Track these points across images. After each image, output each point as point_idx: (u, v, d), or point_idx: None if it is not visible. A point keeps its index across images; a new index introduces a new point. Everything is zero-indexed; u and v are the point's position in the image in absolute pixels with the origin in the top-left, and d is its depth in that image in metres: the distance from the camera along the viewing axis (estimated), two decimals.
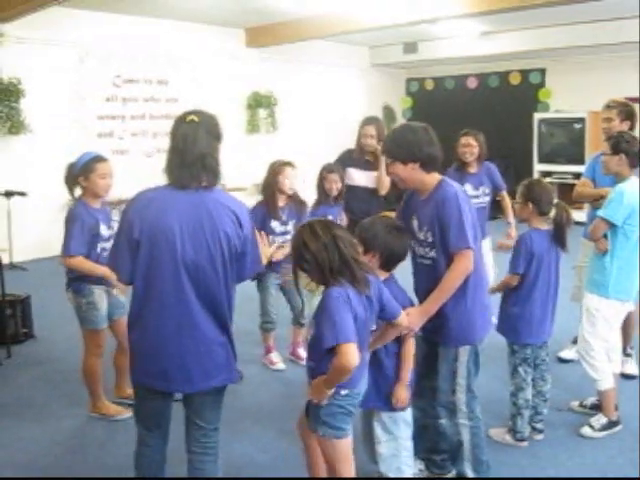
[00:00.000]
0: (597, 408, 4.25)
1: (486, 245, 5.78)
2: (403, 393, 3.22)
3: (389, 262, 3.22)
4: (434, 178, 3.26)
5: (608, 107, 4.95)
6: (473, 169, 5.87)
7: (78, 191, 4.18)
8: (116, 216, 4.38)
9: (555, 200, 3.83)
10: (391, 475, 3.33)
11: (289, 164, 5.08)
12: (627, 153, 4.06)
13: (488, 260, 5.82)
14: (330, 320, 2.65)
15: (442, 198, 3.19)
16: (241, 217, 2.73)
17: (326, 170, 5.29)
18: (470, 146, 5.80)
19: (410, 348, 3.24)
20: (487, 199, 5.90)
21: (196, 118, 2.73)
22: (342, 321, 2.63)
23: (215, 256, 2.67)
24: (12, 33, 8.76)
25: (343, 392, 2.80)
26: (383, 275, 3.19)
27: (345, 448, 2.90)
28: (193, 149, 2.69)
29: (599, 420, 4.12)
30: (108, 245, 4.01)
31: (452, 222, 3.12)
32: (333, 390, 2.76)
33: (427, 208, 3.23)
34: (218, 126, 2.81)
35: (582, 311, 4.23)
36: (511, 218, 5.91)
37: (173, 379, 2.74)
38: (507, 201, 6.07)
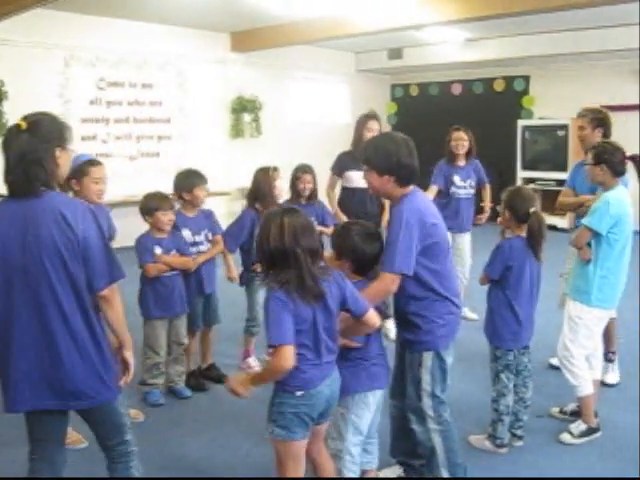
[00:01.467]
0: (577, 414, 4.26)
1: (466, 238, 6.59)
2: None
3: (361, 267, 3.24)
4: (404, 191, 3.25)
5: (580, 116, 5.01)
6: (462, 162, 6.46)
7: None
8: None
9: (531, 209, 3.81)
10: None
11: (277, 169, 5.13)
12: (608, 163, 4.08)
13: (466, 252, 6.56)
14: (269, 321, 2.71)
15: (394, 214, 3.24)
16: (71, 220, 2.57)
17: (301, 170, 5.32)
18: (462, 139, 6.39)
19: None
20: (472, 192, 6.52)
21: (23, 123, 2.61)
22: (280, 322, 2.67)
23: (47, 267, 2.56)
24: None
25: (298, 393, 2.78)
26: (356, 278, 3.19)
27: (293, 450, 2.86)
28: (13, 156, 2.58)
29: (578, 426, 4.13)
30: None
31: (388, 242, 3.17)
32: (284, 390, 2.80)
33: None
34: (54, 129, 2.68)
35: (564, 317, 4.25)
36: (487, 202, 6.68)
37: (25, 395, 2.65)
38: (487, 190, 6.75)
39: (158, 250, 4.58)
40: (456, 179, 6.41)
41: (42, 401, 2.66)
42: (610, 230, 3.99)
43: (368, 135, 5.57)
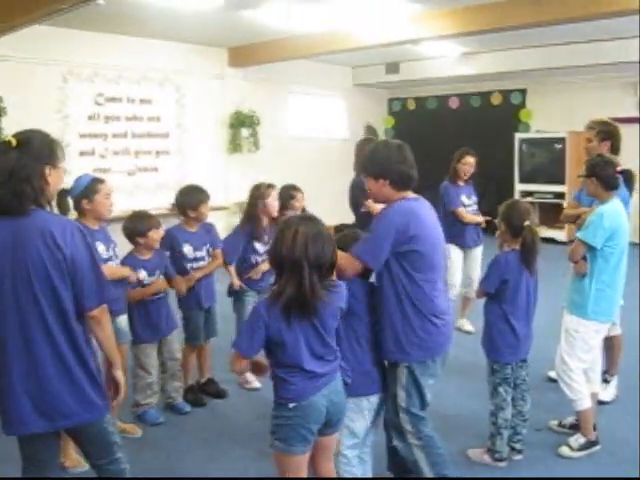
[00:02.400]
0: (576, 428, 4.25)
1: (479, 252, 6.68)
2: None
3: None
4: (400, 196, 3.30)
5: (588, 128, 4.96)
6: (462, 182, 6.58)
7: (71, 215, 4.01)
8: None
9: (526, 222, 3.82)
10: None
11: (273, 186, 5.14)
12: (599, 176, 4.09)
13: (478, 265, 6.61)
14: (244, 324, 2.87)
15: (382, 211, 3.33)
16: (58, 238, 2.55)
17: (293, 189, 5.50)
18: (471, 164, 6.57)
19: None
20: (476, 207, 6.65)
21: (13, 140, 2.59)
22: (249, 332, 2.79)
23: (35, 287, 2.55)
24: None
25: (291, 405, 2.80)
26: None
27: (292, 464, 2.87)
28: (2, 173, 2.56)
29: (577, 440, 4.13)
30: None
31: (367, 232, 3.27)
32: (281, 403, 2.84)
33: None
34: (44, 146, 2.66)
35: (561, 331, 4.25)
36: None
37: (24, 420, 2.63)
38: None
39: (142, 273, 4.53)
40: (464, 199, 6.52)
41: (31, 424, 2.64)
42: (605, 243, 4.00)
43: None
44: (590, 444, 4.13)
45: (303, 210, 5.51)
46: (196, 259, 4.92)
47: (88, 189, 4.04)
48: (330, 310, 2.83)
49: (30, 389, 2.61)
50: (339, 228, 3.76)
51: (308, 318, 2.77)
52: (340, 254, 3.01)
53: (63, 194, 3.94)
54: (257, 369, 3.04)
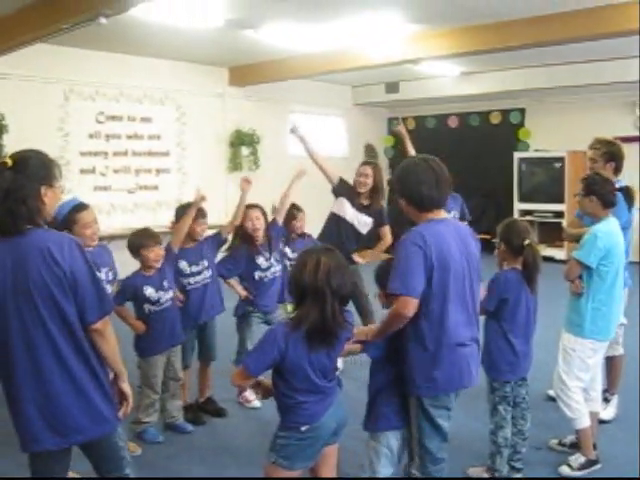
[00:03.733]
0: (576, 447, 4.24)
1: None
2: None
3: None
4: (424, 217, 3.20)
5: (593, 148, 4.88)
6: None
7: None
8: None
9: (526, 241, 3.82)
10: None
11: (250, 206, 5.26)
12: (598, 195, 4.11)
13: None
14: (257, 343, 2.90)
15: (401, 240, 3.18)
16: (56, 254, 2.56)
17: (296, 209, 5.66)
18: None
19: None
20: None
21: (9, 161, 2.61)
22: (261, 352, 2.84)
23: (38, 305, 2.56)
24: None
25: (303, 428, 2.84)
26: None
27: (286, 478, 2.92)
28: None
29: (577, 459, 4.11)
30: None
31: (394, 263, 3.12)
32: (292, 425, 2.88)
33: None
34: (40, 166, 2.67)
35: (559, 350, 4.25)
36: None
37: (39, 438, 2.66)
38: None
39: (149, 290, 4.54)
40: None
41: (44, 442, 2.66)
42: (600, 262, 4.01)
43: (361, 180, 5.89)
44: (590, 463, 4.11)
45: (302, 230, 5.69)
46: (192, 274, 4.91)
47: (66, 220, 3.90)
48: (342, 338, 2.92)
49: (42, 407, 2.63)
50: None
51: (329, 344, 2.83)
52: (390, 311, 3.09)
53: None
54: (263, 391, 3.06)
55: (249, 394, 5.22)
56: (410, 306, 2.99)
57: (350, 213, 5.94)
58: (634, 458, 4.20)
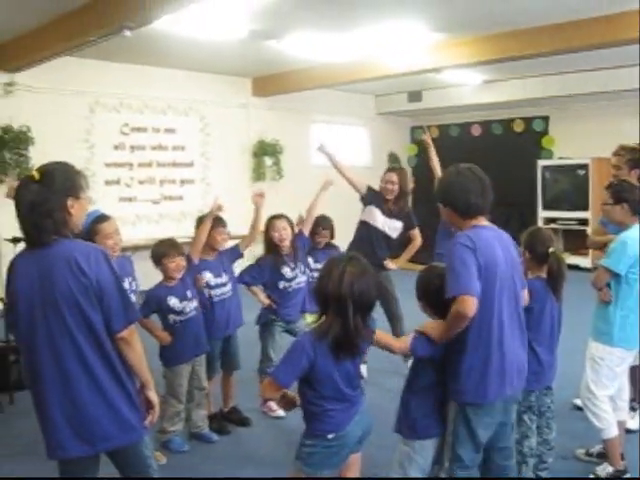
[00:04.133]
0: (603, 456, 4.20)
1: None
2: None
3: (440, 308, 3.20)
4: (468, 224, 3.21)
5: (617, 154, 4.85)
6: None
7: None
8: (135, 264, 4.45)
9: (551, 249, 3.79)
10: None
11: (276, 217, 5.25)
12: (629, 202, 4.08)
13: None
14: (285, 354, 2.89)
15: (451, 244, 3.19)
16: (83, 264, 2.60)
17: (321, 226, 5.67)
18: None
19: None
20: None
21: (36, 174, 2.66)
22: (290, 362, 2.84)
23: (65, 315, 2.61)
24: (23, 82, 8.92)
25: (330, 436, 2.86)
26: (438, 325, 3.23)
27: None
28: (24, 207, 2.64)
29: (605, 469, 4.07)
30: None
31: (447, 269, 3.11)
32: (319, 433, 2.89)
33: None
34: (66, 179, 2.71)
35: (586, 359, 4.21)
36: None
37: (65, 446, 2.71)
38: None
39: (172, 300, 4.58)
40: None
41: (71, 450, 2.71)
42: (629, 270, 3.98)
43: (388, 187, 6.07)
44: (618, 473, 4.07)
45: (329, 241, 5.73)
46: (217, 285, 4.94)
47: (88, 232, 3.91)
48: (367, 344, 2.96)
49: (69, 415, 2.67)
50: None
51: (353, 354, 2.85)
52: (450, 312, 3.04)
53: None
54: (286, 402, 3.04)
55: (273, 403, 5.22)
56: (470, 305, 2.96)
57: (381, 220, 6.09)
58: None
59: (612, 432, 4.06)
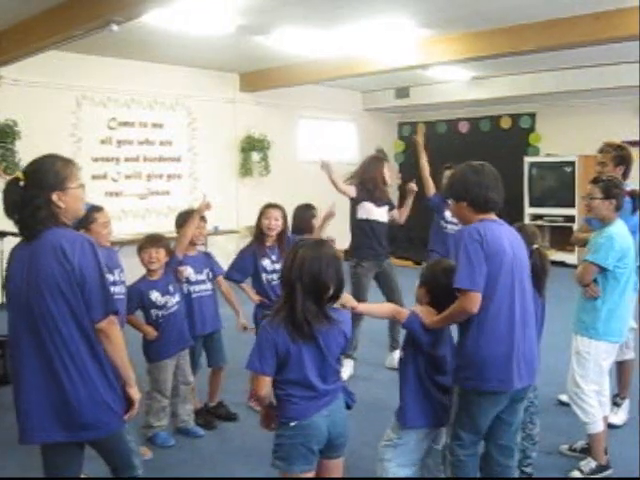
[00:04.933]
0: (587, 452, 4.23)
1: None
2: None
3: (435, 298, 3.38)
4: (479, 218, 3.27)
5: (602, 151, 4.87)
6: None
7: None
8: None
9: (534, 245, 3.80)
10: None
11: (271, 205, 5.18)
12: (617, 198, 4.12)
13: None
14: (254, 346, 2.85)
15: (460, 236, 3.26)
16: (67, 251, 2.67)
17: (314, 208, 5.61)
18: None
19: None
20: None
21: (20, 174, 2.76)
22: (259, 351, 2.81)
23: (47, 300, 2.67)
24: (9, 76, 8.86)
25: (292, 424, 2.83)
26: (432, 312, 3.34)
27: None
28: (7, 207, 2.77)
29: (588, 464, 4.10)
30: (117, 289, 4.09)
31: (457, 260, 3.18)
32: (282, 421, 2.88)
33: None
34: (49, 175, 2.76)
35: (572, 354, 4.24)
36: None
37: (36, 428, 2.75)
38: None
39: (154, 294, 4.58)
40: (447, 214, 6.38)
41: (52, 434, 2.74)
42: (616, 264, 4.02)
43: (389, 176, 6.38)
44: (601, 468, 4.10)
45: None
46: (197, 282, 4.94)
47: (85, 219, 3.92)
48: (332, 337, 2.87)
49: (52, 400, 2.70)
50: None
51: (305, 338, 2.80)
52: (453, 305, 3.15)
53: None
54: (266, 418, 3.04)
55: None
56: (476, 301, 3.08)
57: (376, 212, 6.27)
58: None
59: (599, 427, 4.10)
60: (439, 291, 3.35)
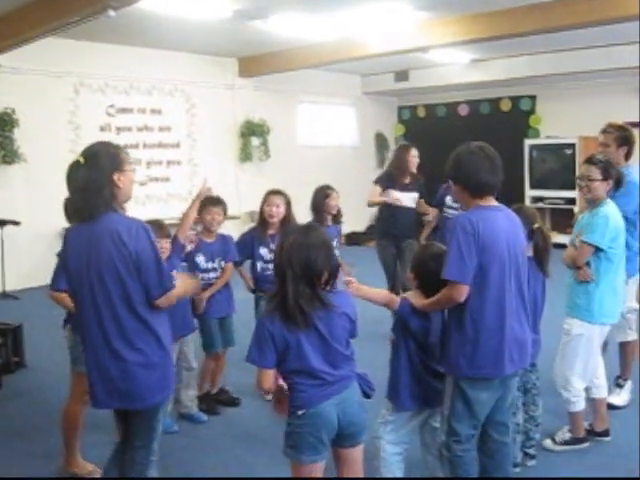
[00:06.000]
0: (590, 433, 4.27)
1: None
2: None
3: (424, 283, 3.40)
4: (475, 202, 3.24)
5: (605, 132, 4.80)
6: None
7: None
8: None
9: (536, 225, 3.80)
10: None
11: (274, 192, 5.13)
12: (614, 178, 4.11)
13: None
14: (252, 340, 2.86)
15: (450, 225, 3.25)
16: (124, 236, 2.87)
17: (329, 189, 5.66)
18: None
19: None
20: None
21: (81, 159, 2.95)
22: (258, 345, 2.82)
23: (107, 282, 2.88)
24: (6, 64, 8.81)
25: (299, 412, 2.81)
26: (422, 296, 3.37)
27: (302, 473, 2.86)
28: (76, 190, 2.97)
29: (564, 435, 4.21)
30: None
31: (448, 249, 3.16)
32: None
33: None
34: (109, 156, 2.99)
35: (562, 335, 4.23)
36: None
37: (98, 398, 3.04)
38: None
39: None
40: (448, 199, 6.43)
41: (103, 403, 3.05)
42: (610, 244, 4.01)
43: (415, 161, 6.74)
44: (576, 441, 4.19)
45: (339, 210, 5.76)
46: (207, 270, 4.92)
47: None
48: (334, 322, 2.83)
49: (111, 375, 2.95)
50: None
51: (301, 326, 2.77)
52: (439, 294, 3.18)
53: None
54: (278, 403, 3.05)
55: None
56: (462, 292, 3.09)
57: (402, 198, 6.61)
58: None
59: (580, 406, 4.18)
60: (427, 276, 3.37)
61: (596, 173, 4.13)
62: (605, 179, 4.11)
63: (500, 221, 3.20)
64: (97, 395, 3.03)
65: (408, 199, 6.65)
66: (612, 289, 4.11)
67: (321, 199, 5.59)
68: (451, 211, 6.47)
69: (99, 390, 3.00)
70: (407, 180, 6.75)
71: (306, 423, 2.81)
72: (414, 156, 6.77)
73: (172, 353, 3.11)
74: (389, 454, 3.45)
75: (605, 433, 4.31)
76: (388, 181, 6.77)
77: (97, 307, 2.91)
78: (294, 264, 2.74)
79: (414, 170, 6.77)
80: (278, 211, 5.06)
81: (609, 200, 4.13)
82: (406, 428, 3.49)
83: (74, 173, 2.96)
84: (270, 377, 2.85)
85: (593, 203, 4.16)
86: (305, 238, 2.81)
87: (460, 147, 3.39)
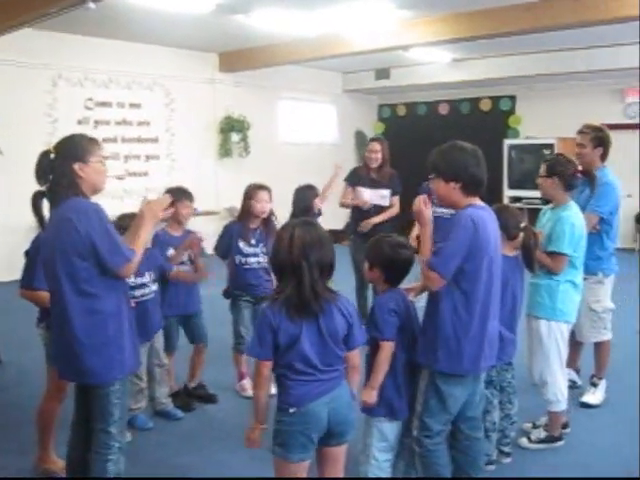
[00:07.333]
0: (565, 427, 4.32)
1: None
2: (367, 396, 3.34)
3: (391, 276, 3.42)
4: (467, 201, 3.21)
5: (581, 133, 4.86)
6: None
7: None
8: None
9: (522, 224, 3.81)
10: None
11: (262, 187, 5.08)
12: (560, 176, 4.13)
13: None
14: (254, 332, 2.90)
15: (456, 217, 3.20)
16: (75, 222, 2.98)
17: (315, 188, 5.77)
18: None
19: (383, 355, 3.31)
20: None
21: (51, 149, 3.14)
22: (260, 338, 2.82)
23: (56, 262, 3.03)
24: None
25: (291, 410, 2.80)
26: (385, 287, 3.42)
27: (288, 472, 2.85)
28: (42, 177, 3.13)
29: (539, 433, 4.25)
30: None
31: (448, 241, 3.14)
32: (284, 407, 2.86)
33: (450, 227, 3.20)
34: (72, 147, 3.15)
35: (532, 336, 4.23)
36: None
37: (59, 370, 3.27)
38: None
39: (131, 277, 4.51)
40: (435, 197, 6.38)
41: (63, 377, 3.32)
42: (574, 249, 4.08)
43: (372, 156, 6.50)
44: (552, 439, 4.23)
45: (319, 210, 5.80)
46: (178, 263, 4.85)
47: None
48: (332, 318, 2.84)
49: (63, 350, 3.13)
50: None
51: (310, 315, 2.79)
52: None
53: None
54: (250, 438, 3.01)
55: (247, 383, 5.12)
56: (438, 284, 3.13)
57: (368, 195, 6.50)
58: (622, 442, 4.25)
59: (562, 406, 4.20)
60: (393, 266, 3.40)
61: (542, 170, 4.20)
62: (548, 176, 4.16)
63: (488, 221, 3.20)
64: (59, 367, 3.26)
65: (377, 197, 6.49)
66: (572, 288, 4.16)
67: (311, 198, 5.63)
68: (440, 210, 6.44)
69: (58, 363, 3.24)
70: (374, 176, 6.52)
71: (297, 421, 2.80)
72: (371, 150, 6.54)
73: (128, 337, 3.18)
74: (380, 461, 3.42)
75: (559, 438, 4.33)
76: (354, 177, 6.66)
77: (56, 286, 3.07)
78: (309, 256, 2.77)
79: (373, 165, 6.50)
80: (267, 207, 5.05)
81: (572, 203, 4.18)
82: (393, 436, 3.44)
83: (40, 160, 3.13)
84: (269, 367, 2.85)
85: (554, 204, 4.22)
86: (315, 231, 2.86)
87: (449, 145, 3.34)
